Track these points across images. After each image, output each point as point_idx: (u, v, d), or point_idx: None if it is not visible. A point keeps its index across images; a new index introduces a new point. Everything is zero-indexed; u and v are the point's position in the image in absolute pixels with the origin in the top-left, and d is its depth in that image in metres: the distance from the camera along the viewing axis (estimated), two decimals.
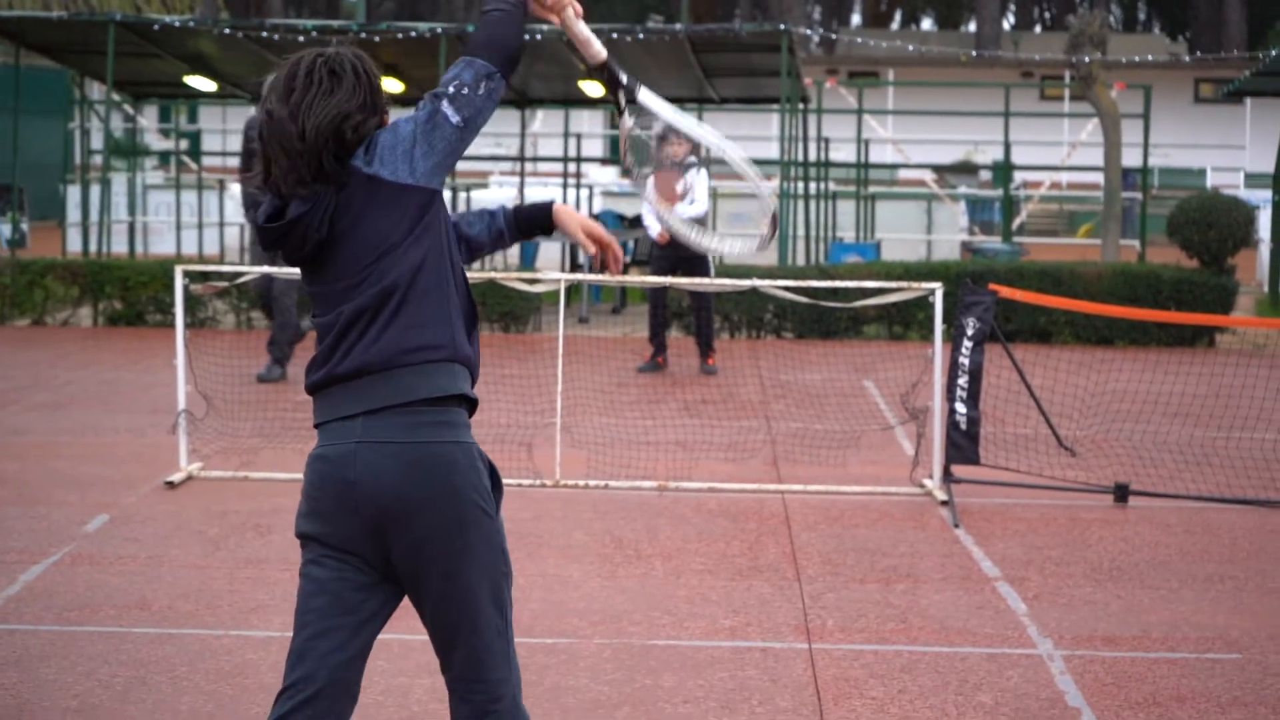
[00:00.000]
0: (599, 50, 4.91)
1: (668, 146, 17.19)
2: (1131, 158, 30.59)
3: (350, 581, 4.53)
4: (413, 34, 23.26)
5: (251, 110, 16.45)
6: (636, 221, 24.04)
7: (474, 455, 4.52)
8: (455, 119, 4.53)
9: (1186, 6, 76.95)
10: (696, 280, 15.14)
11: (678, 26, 24.07)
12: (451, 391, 4.49)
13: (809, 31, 61.34)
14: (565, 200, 30.21)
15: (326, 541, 4.54)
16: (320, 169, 4.48)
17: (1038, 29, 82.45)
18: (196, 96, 30.80)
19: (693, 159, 17.20)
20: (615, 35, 22.92)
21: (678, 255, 17.25)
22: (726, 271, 21.04)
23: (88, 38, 24.33)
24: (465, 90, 4.55)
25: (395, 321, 4.47)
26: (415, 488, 4.43)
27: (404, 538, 4.47)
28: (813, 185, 29.23)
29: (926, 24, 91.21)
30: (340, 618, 4.53)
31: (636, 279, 15.63)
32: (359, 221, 4.50)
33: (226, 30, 24.25)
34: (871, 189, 35.74)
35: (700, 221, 17.13)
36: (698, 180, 17.02)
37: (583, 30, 4.86)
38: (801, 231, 27.28)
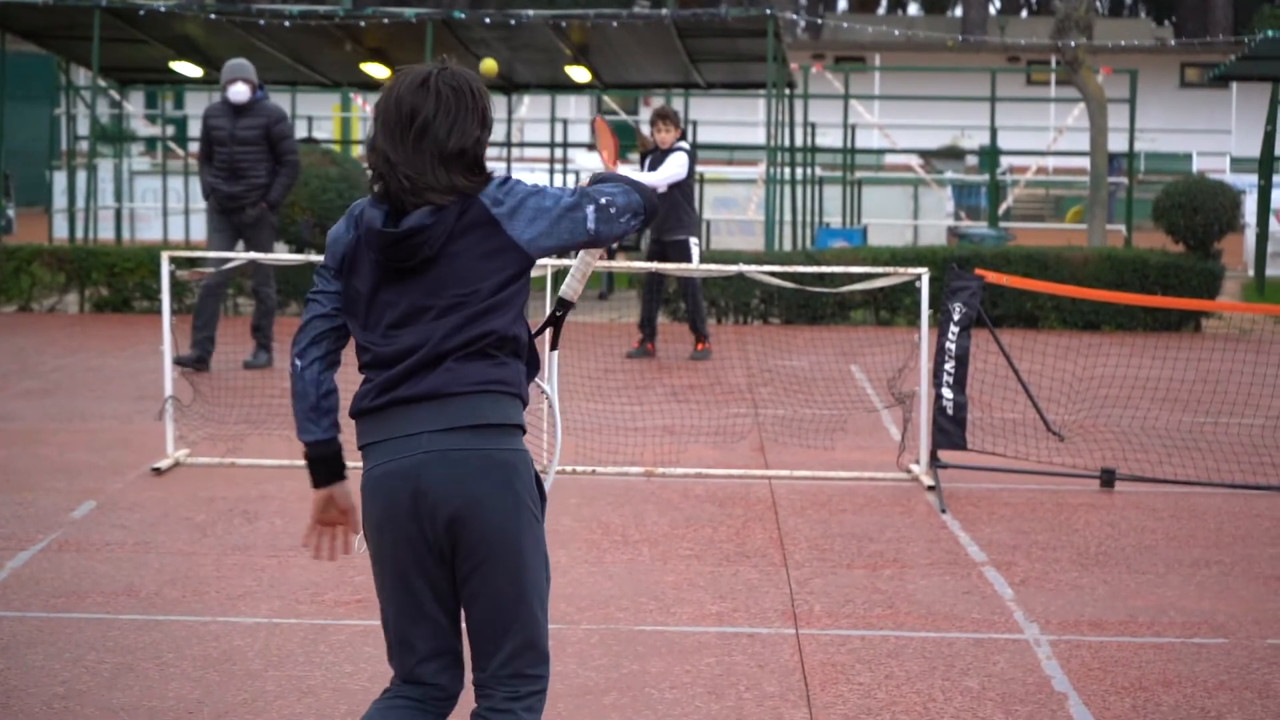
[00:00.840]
0: (577, 292, 5.21)
1: (658, 134, 17.23)
2: (1117, 142, 30.62)
3: (438, 603, 4.72)
4: (399, 19, 23.22)
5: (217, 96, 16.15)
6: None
7: (530, 464, 4.74)
8: (590, 225, 4.74)
9: None
10: (683, 266, 15.15)
11: (664, 11, 24.04)
12: (515, 421, 4.74)
13: (795, 16, 61.30)
14: (550, 183, 30.17)
15: (403, 554, 4.67)
16: (443, 184, 4.63)
17: (1024, 13, 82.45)
18: (183, 82, 30.74)
19: (683, 144, 17.19)
20: (601, 20, 22.90)
21: (660, 241, 17.27)
22: (713, 257, 21.05)
23: (73, 23, 24.27)
24: (613, 209, 4.77)
25: (476, 361, 4.65)
26: (482, 492, 4.62)
27: (469, 538, 4.63)
28: (799, 170, 29.22)
29: (913, 9, 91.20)
30: (441, 641, 4.74)
31: (622, 264, 15.60)
32: (464, 253, 4.65)
33: (213, 15, 24.19)
34: (858, 174, 35.73)
35: (666, 197, 17.07)
36: (671, 159, 16.98)
37: (591, 269, 5.23)
38: (788, 217, 27.28)
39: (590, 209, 4.73)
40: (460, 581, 4.68)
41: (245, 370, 15.46)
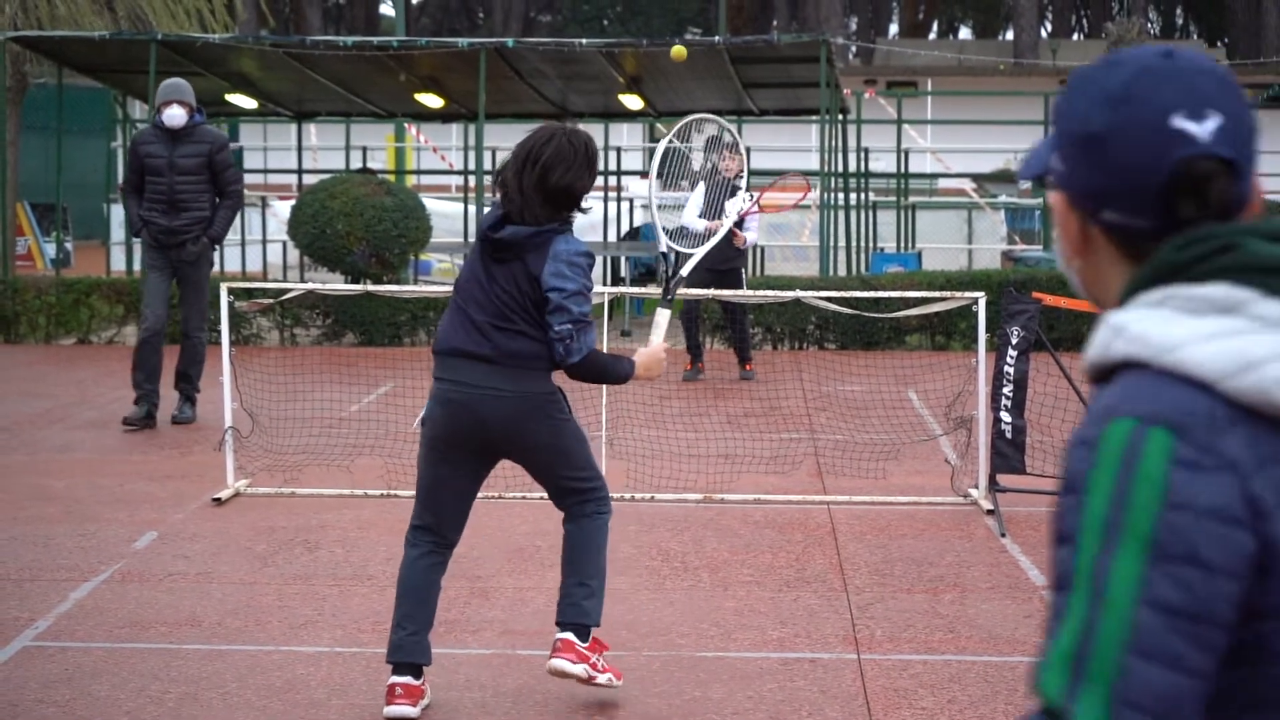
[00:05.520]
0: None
1: (724, 162, 17.32)
2: None
3: (471, 483, 6.91)
4: (452, 49, 23.29)
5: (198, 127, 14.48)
6: (675, 235, 24.10)
7: (557, 394, 6.86)
8: (557, 325, 6.65)
9: (1224, 11, 76.73)
10: (737, 293, 15.17)
11: (716, 38, 24.05)
12: (551, 389, 6.80)
13: (847, 42, 61.31)
14: (605, 213, 30.24)
15: (457, 448, 6.81)
16: (539, 213, 6.65)
17: (1075, 36, 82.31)
18: (237, 114, 30.92)
19: (740, 182, 17.25)
20: (654, 48, 22.93)
21: (708, 270, 17.34)
22: (769, 283, 21.06)
23: (129, 56, 24.42)
24: (572, 341, 6.68)
25: (522, 335, 6.71)
26: (524, 421, 6.76)
27: (521, 445, 6.86)
28: (853, 196, 29.21)
29: (964, 33, 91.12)
30: (464, 505, 6.94)
31: (680, 292, 15.63)
32: (530, 266, 6.67)
33: (267, 47, 24.31)
34: (912, 199, 35.69)
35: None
36: (751, 222, 17.35)
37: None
38: (842, 242, 27.27)
39: (568, 324, 6.64)
40: (526, 462, 6.97)
41: (175, 423, 14.59)
